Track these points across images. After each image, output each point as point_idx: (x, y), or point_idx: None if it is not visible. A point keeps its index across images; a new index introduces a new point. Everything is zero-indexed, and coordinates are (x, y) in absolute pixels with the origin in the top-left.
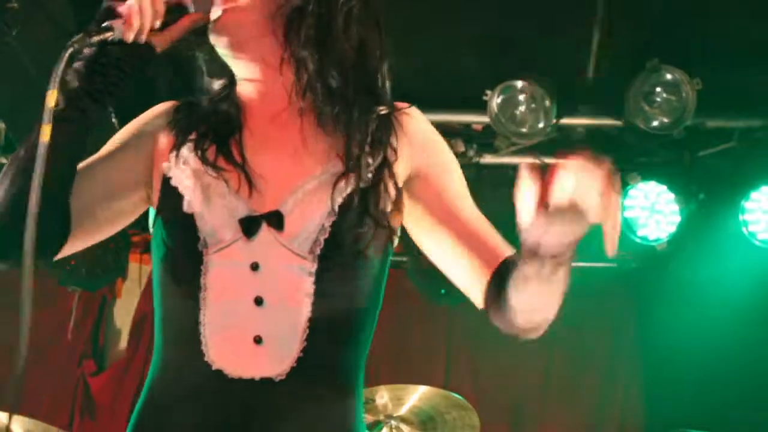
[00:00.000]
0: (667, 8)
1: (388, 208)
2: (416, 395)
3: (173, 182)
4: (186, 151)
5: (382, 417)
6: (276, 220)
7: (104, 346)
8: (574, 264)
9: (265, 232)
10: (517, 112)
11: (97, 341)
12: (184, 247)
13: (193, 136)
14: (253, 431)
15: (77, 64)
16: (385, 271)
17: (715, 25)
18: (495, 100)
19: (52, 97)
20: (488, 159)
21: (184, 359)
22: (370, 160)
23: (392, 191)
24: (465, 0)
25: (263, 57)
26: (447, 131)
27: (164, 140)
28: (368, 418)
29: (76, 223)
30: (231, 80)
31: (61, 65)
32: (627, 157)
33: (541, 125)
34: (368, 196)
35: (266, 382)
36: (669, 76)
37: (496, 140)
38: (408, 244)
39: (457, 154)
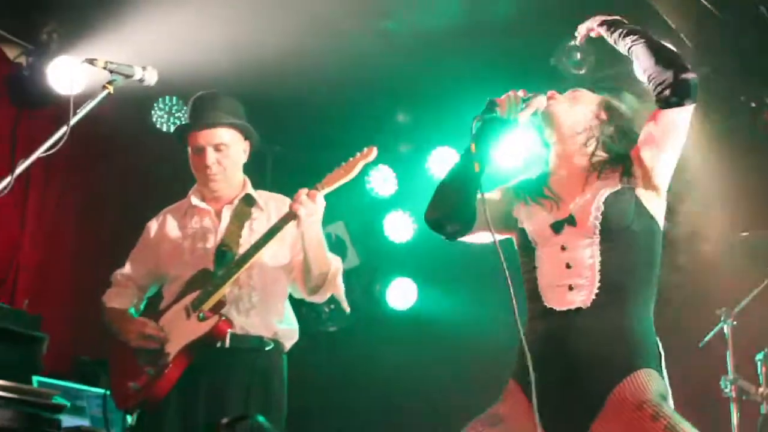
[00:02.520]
0: None
1: (642, 200)
2: None
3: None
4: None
5: None
6: (571, 219)
7: None
8: None
9: (566, 228)
10: None
11: None
12: (525, 246)
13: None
14: (571, 336)
15: (480, 132)
16: (653, 240)
17: None
18: None
19: (472, 147)
20: None
21: (532, 303)
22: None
23: (644, 188)
24: None
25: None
26: None
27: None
28: None
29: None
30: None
31: (473, 132)
32: None
33: None
34: (622, 196)
35: (578, 310)
36: None
37: None
38: None
39: None
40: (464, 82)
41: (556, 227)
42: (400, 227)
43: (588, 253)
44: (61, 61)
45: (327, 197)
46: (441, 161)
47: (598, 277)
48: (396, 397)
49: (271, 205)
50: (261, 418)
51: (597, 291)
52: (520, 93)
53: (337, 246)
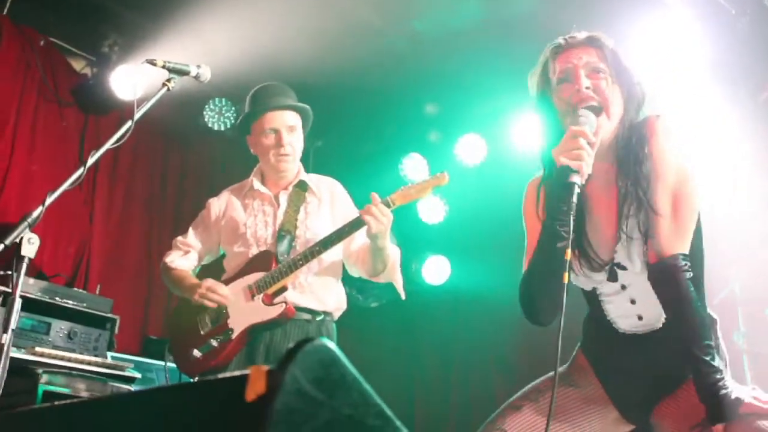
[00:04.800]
0: None
1: None
2: None
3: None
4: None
5: None
6: (621, 266)
7: None
8: None
9: (620, 272)
10: None
11: None
12: (588, 295)
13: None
14: (645, 345)
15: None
16: (698, 241)
17: None
18: None
19: (567, 254)
20: None
21: (601, 323)
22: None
23: None
24: None
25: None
26: None
27: None
28: None
29: None
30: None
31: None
32: None
33: None
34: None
35: (647, 333)
36: None
37: None
38: None
39: None
40: (487, 73)
41: (611, 277)
42: (433, 210)
43: (648, 288)
44: (122, 69)
45: (366, 186)
46: (467, 147)
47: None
48: (434, 362)
49: (322, 188)
50: (324, 339)
51: (665, 316)
52: (588, 137)
53: None
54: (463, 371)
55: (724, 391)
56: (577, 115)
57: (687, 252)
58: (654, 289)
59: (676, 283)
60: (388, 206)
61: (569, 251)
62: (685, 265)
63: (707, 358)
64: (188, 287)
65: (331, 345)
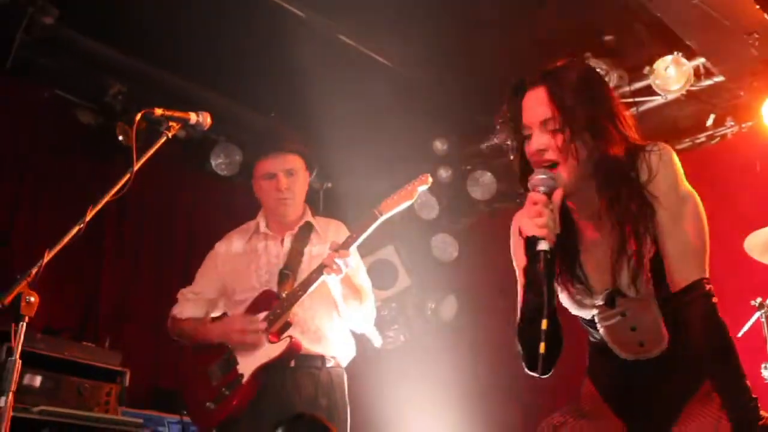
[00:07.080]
0: None
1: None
2: None
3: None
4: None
5: None
6: (620, 292)
7: None
8: None
9: (618, 298)
10: None
11: None
12: (588, 323)
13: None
14: (649, 371)
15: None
16: None
17: None
18: None
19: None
20: None
21: (600, 350)
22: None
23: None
24: None
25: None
26: None
27: None
28: None
29: None
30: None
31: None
32: None
33: None
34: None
35: (649, 359)
36: None
37: None
38: None
39: None
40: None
41: (610, 303)
42: (446, 248)
43: (649, 315)
44: (125, 117)
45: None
46: (478, 183)
47: (665, 331)
48: (450, 402)
49: (328, 230)
50: (316, 416)
51: (668, 342)
52: (544, 203)
53: (388, 269)
54: (483, 410)
55: (757, 419)
56: (533, 176)
57: (707, 275)
58: (682, 318)
59: (704, 309)
60: (377, 217)
61: (546, 321)
62: (709, 288)
63: (740, 384)
64: (209, 330)
65: (324, 422)
